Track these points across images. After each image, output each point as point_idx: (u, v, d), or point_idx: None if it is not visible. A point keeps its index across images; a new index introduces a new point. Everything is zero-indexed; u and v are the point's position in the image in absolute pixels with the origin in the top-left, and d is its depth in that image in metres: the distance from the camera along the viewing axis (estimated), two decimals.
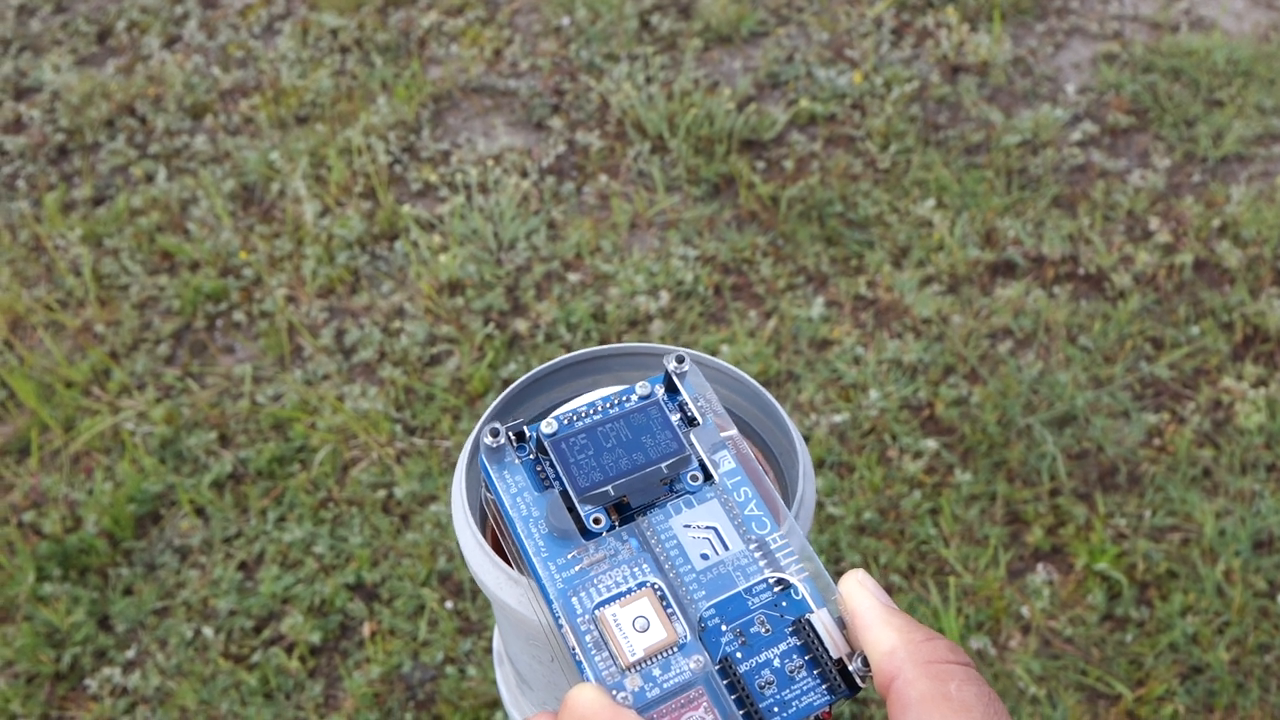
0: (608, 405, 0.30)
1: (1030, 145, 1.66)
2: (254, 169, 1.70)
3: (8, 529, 1.27)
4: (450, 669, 1.14)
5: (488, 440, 0.29)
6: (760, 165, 1.67)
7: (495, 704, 1.11)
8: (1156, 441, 1.24)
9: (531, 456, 0.29)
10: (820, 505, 1.23)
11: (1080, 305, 1.40)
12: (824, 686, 0.27)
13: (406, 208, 1.63)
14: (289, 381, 1.41)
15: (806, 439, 1.30)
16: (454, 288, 1.51)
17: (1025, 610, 1.12)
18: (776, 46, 1.91)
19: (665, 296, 1.46)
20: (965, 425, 1.28)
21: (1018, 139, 1.66)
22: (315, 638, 1.17)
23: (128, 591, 1.23)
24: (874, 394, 1.31)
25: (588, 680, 0.26)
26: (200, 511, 1.29)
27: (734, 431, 0.30)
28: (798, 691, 0.26)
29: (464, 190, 1.66)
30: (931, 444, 1.26)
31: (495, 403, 0.34)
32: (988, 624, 1.12)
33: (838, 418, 1.30)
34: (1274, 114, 1.68)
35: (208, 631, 1.18)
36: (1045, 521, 1.18)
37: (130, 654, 1.17)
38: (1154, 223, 1.50)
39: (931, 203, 1.56)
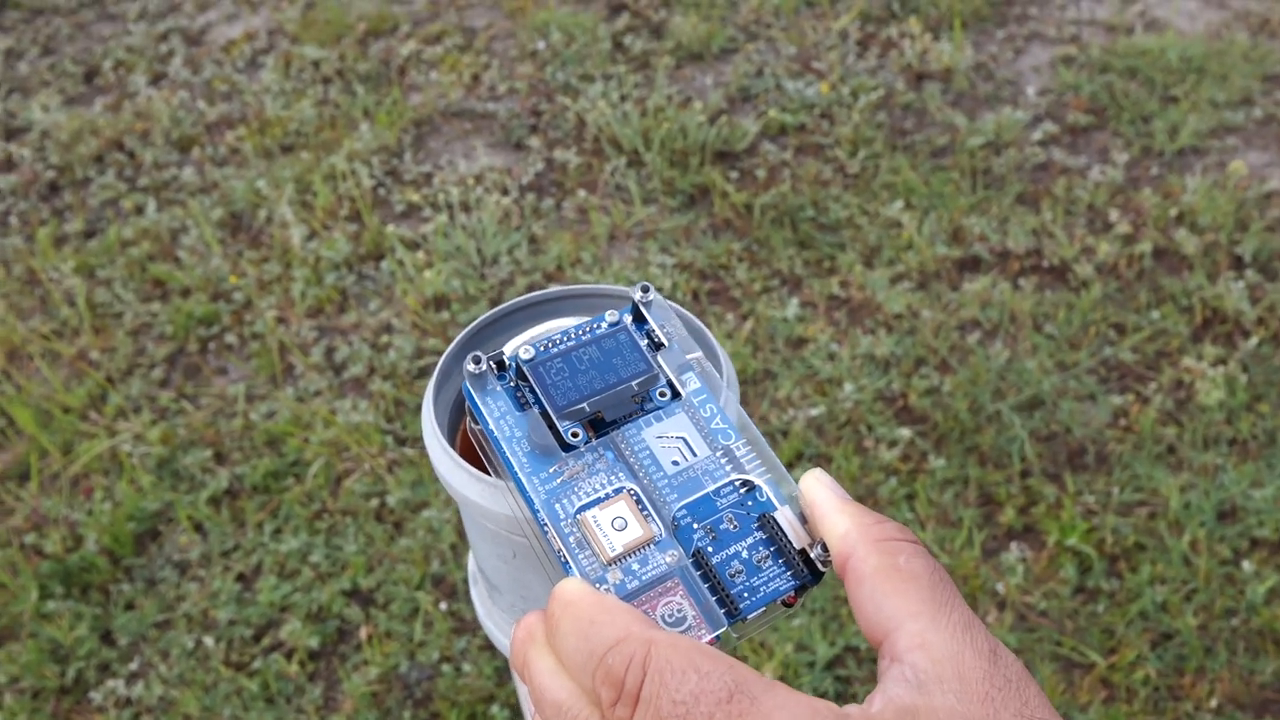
0: (579, 332, 0.32)
1: (993, 146, 1.72)
2: (241, 197, 1.74)
3: (10, 551, 1.30)
4: (446, 667, 1.17)
5: (470, 367, 0.31)
6: (733, 175, 1.72)
7: (491, 699, 1.14)
8: (1122, 421, 1.28)
9: (511, 383, 0.31)
10: None
11: (1045, 295, 1.44)
12: (789, 573, 0.29)
13: (391, 228, 1.67)
14: (281, 399, 1.45)
15: (784, 434, 1.34)
16: (439, 302, 1.55)
17: (1000, 587, 1.16)
18: (746, 61, 1.97)
19: None
20: (937, 413, 1.32)
21: (981, 141, 1.71)
22: (314, 643, 1.20)
23: (129, 606, 1.26)
24: (849, 387, 1.36)
25: (568, 576, 0.27)
26: (198, 527, 1.32)
27: (698, 354, 0.32)
28: (765, 578, 0.29)
29: (446, 209, 1.71)
30: (905, 433, 1.30)
31: (460, 336, 0.37)
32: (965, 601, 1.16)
33: (814, 411, 1.34)
34: (1226, 108, 1.74)
35: (208, 641, 1.21)
36: (1017, 502, 1.22)
37: (133, 666, 1.20)
38: (1114, 215, 1.55)
39: (900, 204, 1.61)
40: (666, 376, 0.32)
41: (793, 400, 1.38)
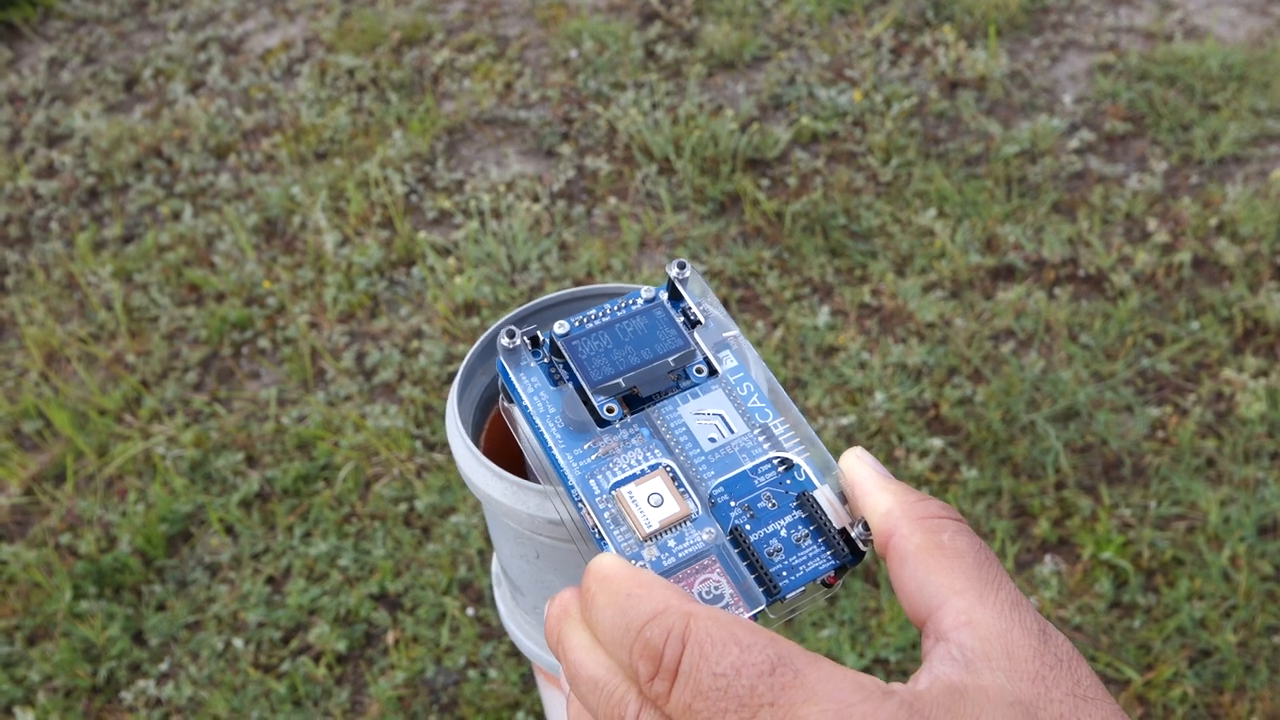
0: (615, 308, 0.31)
1: (1029, 154, 1.70)
2: (276, 204, 1.76)
3: (45, 551, 1.32)
4: (472, 673, 1.16)
5: (504, 341, 0.30)
6: (765, 183, 1.72)
7: (516, 705, 1.13)
8: (1160, 434, 1.26)
9: (545, 359, 0.31)
10: None
11: (1081, 305, 1.42)
12: (828, 552, 0.28)
13: (423, 234, 1.68)
14: (313, 403, 1.46)
15: None
16: (469, 308, 1.56)
17: (1034, 600, 1.14)
18: (778, 70, 1.96)
19: None
20: (970, 424, 1.30)
21: (1016, 149, 1.69)
22: (341, 646, 1.20)
23: (161, 607, 1.27)
24: (880, 396, 1.34)
25: (604, 552, 0.27)
26: (229, 529, 1.33)
27: (735, 331, 0.32)
28: (805, 557, 0.28)
29: (478, 216, 1.72)
30: (937, 443, 1.29)
31: (483, 337, 0.37)
32: None
33: (845, 420, 1.33)
34: (1269, 115, 1.70)
35: (238, 643, 1.21)
36: (1051, 514, 1.20)
37: (164, 667, 1.21)
38: (1152, 224, 1.53)
39: (933, 213, 1.59)
40: (703, 353, 0.31)
41: (823, 409, 1.36)
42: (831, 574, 0.28)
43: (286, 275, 1.64)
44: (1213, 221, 1.51)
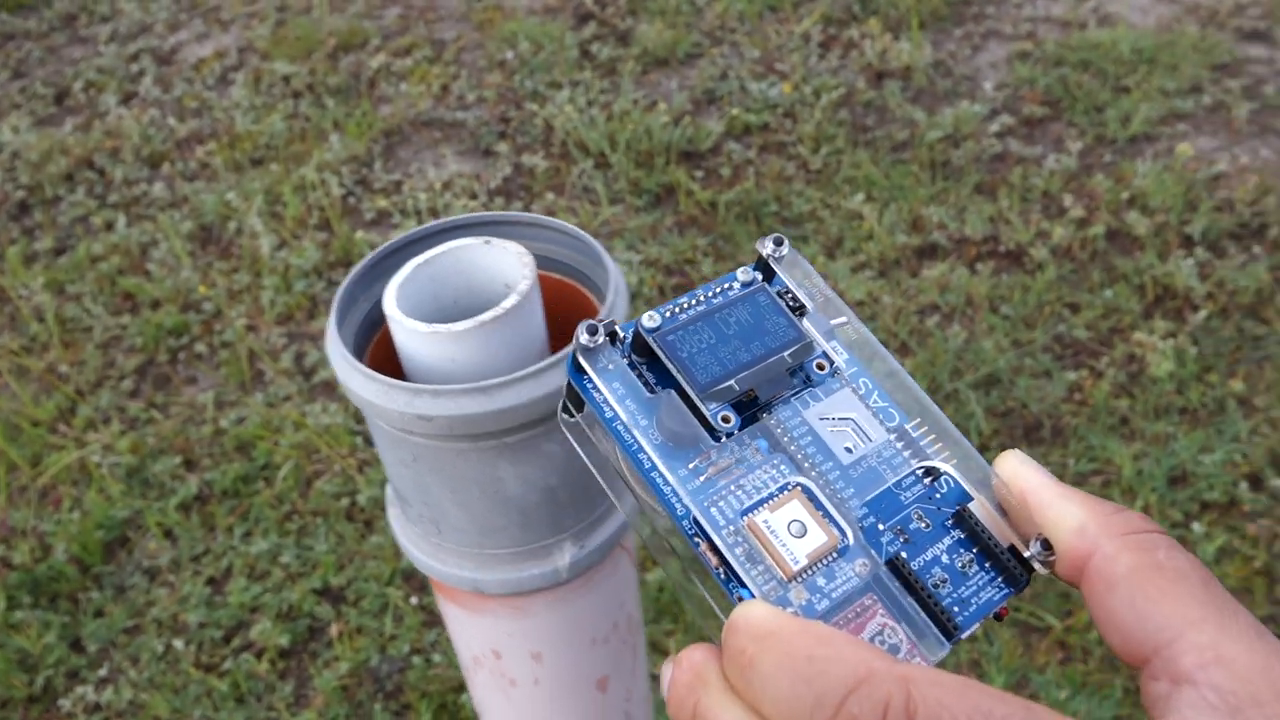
0: (709, 295, 0.27)
1: (952, 139, 1.75)
2: (211, 210, 1.76)
3: None
4: (417, 659, 1.17)
5: (584, 340, 0.25)
6: (699, 174, 1.75)
7: (461, 688, 1.14)
8: (1076, 395, 1.30)
9: (626, 360, 0.25)
10: None
11: (1001, 279, 1.47)
12: (1000, 579, 0.24)
13: (360, 234, 1.69)
14: (251, 405, 1.46)
15: None
16: None
17: None
18: (711, 65, 2.00)
19: None
20: None
21: (940, 134, 1.74)
22: (284, 641, 1.20)
23: (98, 613, 1.26)
24: None
25: (748, 600, 0.22)
26: (168, 533, 1.33)
27: (845, 319, 0.27)
28: (974, 587, 0.24)
29: (415, 215, 1.73)
30: None
31: (364, 261, 0.38)
32: None
33: None
34: (1176, 95, 1.77)
35: (178, 644, 1.21)
36: None
37: (103, 672, 1.20)
38: (1068, 200, 1.58)
39: (861, 197, 1.63)
40: (821, 345, 0.26)
41: None
42: (1004, 605, 0.24)
43: (223, 280, 1.63)
44: (1124, 196, 1.57)
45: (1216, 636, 0.20)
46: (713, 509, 0.23)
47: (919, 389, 0.26)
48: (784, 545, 0.23)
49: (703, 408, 0.24)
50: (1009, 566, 0.24)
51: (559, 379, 0.35)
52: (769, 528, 0.23)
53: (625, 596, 0.46)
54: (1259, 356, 1.34)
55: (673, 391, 0.25)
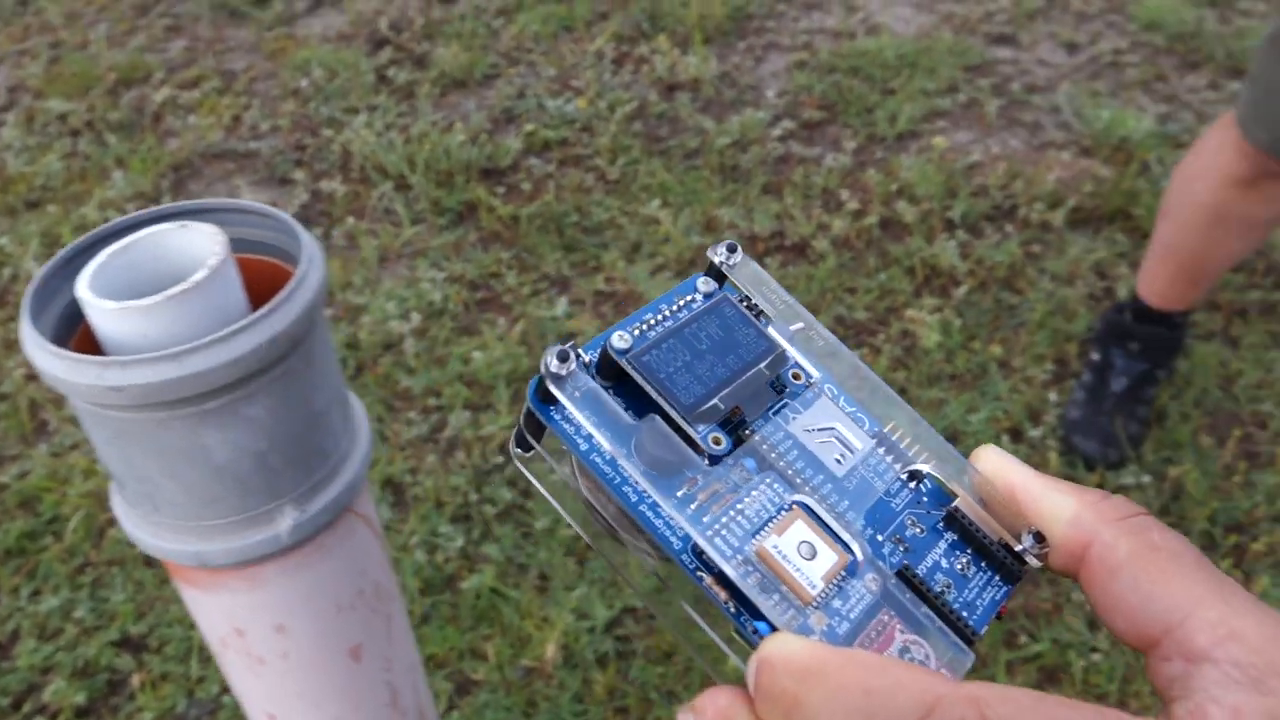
0: (673, 309, 0.25)
1: (739, 144, 1.85)
2: None
3: None
4: (227, 698, 1.13)
5: (553, 365, 0.22)
6: (500, 190, 1.78)
7: None
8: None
9: (599, 384, 0.23)
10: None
11: (788, 270, 1.57)
12: (998, 576, 0.24)
13: None
14: (35, 457, 1.37)
15: None
16: None
17: None
18: (508, 85, 2.04)
19: (417, 317, 1.53)
20: None
21: (728, 140, 1.84)
22: (80, 699, 1.14)
23: None
24: None
25: (776, 633, 0.20)
26: None
27: (802, 324, 0.26)
28: (975, 588, 0.23)
29: None
30: None
31: (61, 253, 0.38)
32: None
33: None
34: (935, 95, 1.94)
35: None
36: None
37: None
38: (845, 195, 1.70)
39: (657, 203, 1.70)
40: (792, 354, 0.25)
41: None
42: (1004, 602, 0.24)
43: None
44: (894, 188, 1.70)
45: (1224, 612, 0.20)
46: (716, 538, 0.22)
47: (886, 386, 0.26)
48: (798, 570, 0.22)
49: (691, 431, 0.23)
50: (1004, 562, 0.24)
51: (252, 341, 0.36)
52: (779, 552, 0.22)
53: (367, 563, 0.48)
54: (1014, 323, 1.48)
55: (656, 416, 0.23)
